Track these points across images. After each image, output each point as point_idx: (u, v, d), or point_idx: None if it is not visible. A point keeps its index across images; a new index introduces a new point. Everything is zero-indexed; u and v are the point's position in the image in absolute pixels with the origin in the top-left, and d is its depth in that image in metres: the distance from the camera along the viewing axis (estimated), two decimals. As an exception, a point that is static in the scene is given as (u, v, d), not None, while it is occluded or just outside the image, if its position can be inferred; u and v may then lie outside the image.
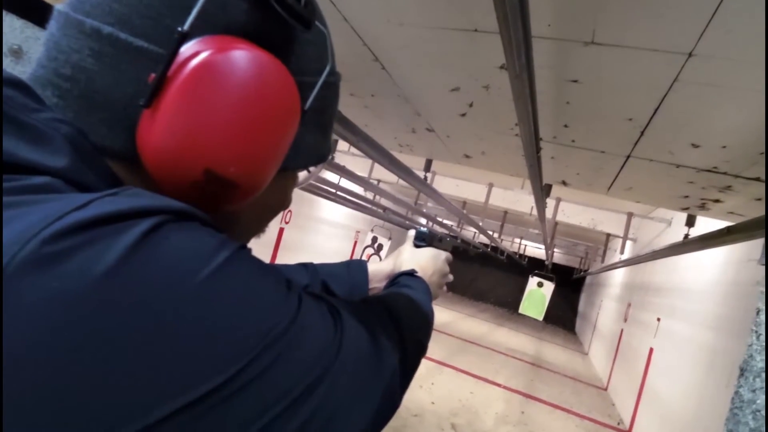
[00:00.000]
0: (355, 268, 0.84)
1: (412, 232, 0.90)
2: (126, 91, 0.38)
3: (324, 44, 0.47)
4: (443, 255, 0.87)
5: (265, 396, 0.33)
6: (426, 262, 0.83)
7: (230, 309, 0.33)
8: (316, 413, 0.36)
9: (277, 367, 0.34)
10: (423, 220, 10.92)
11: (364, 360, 0.43)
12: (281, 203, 0.53)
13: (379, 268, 0.86)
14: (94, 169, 0.37)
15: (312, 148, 0.49)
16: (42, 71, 0.39)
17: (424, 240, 0.88)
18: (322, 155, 0.52)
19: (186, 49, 0.37)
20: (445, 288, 0.88)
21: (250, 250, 0.38)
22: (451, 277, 0.90)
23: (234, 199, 0.41)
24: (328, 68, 0.47)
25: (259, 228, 0.53)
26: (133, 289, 0.29)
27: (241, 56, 0.38)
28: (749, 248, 3.19)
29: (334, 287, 0.80)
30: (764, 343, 0.78)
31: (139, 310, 0.29)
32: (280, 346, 0.34)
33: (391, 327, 0.52)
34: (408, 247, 0.88)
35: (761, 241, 0.81)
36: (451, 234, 7.99)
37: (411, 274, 0.77)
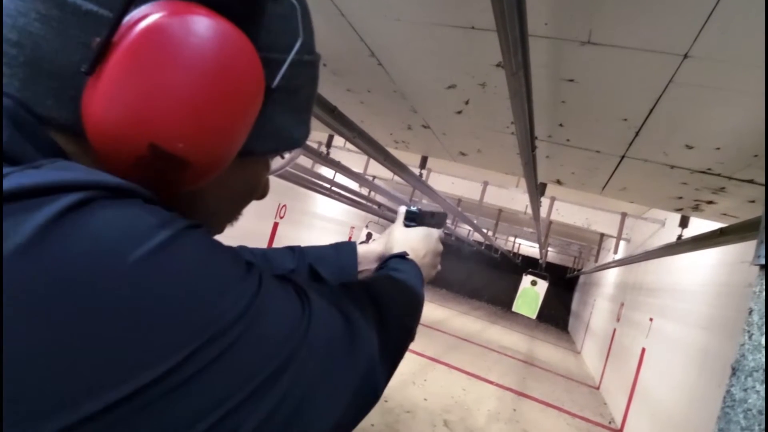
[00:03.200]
0: (344, 250, 0.81)
1: (402, 209, 0.84)
2: (73, 58, 0.35)
3: (295, 18, 0.43)
4: (436, 234, 0.83)
5: (222, 384, 0.31)
6: (418, 243, 0.79)
7: (170, 292, 0.30)
8: (284, 401, 0.35)
9: (234, 352, 0.32)
10: (414, 208, 10.92)
11: (336, 345, 0.41)
12: (252, 189, 0.50)
13: (369, 249, 0.82)
14: (34, 144, 0.34)
15: (282, 131, 0.46)
16: None
17: (414, 219, 0.83)
18: (293, 140, 0.48)
19: (136, 12, 0.34)
20: (438, 267, 0.83)
21: (204, 230, 0.36)
22: (438, 267, 0.84)
23: (187, 179, 0.38)
24: (298, 44, 0.43)
25: (230, 215, 0.50)
26: (47, 271, 0.27)
27: (196, 21, 0.35)
28: (742, 250, 3.21)
29: (321, 270, 0.76)
30: (756, 343, 0.78)
31: (55, 294, 0.27)
32: (236, 330, 0.32)
33: (371, 311, 0.49)
34: (399, 227, 0.83)
35: (754, 243, 0.81)
36: (440, 212, 7.99)
37: (402, 256, 0.74)
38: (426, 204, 7.73)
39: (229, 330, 0.32)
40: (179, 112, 0.35)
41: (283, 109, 0.45)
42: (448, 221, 9.69)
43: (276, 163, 0.55)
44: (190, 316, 0.31)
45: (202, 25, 0.35)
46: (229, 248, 0.37)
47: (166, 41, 0.34)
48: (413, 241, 0.79)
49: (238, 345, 0.32)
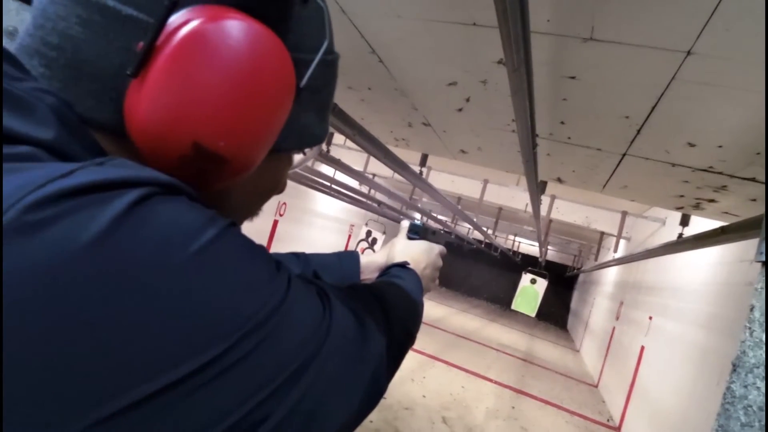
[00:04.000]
0: (347, 259, 0.83)
1: (405, 223, 0.88)
2: (114, 61, 0.37)
3: (322, 20, 0.46)
4: (437, 248, 0.86)
5: (251, 379, 0.33)
6: (419, 255, 0.82)
7: (218, 287, 0.32)
8: (305, 397, 0.36)
9: (263, 349, 0.33)
10: (417, 215, 10.93)
11: (351, 344, 0.43)
12: (275, 185, 0.52)
13: (372, 260, 0.84)
14: (81, 142, 0.36)
15: (307, 128, 0.48)
16: (29, 40, 0.38)
17: (417, 233, 0.86)
18: (317, 137, 0.50)
19: (176, 18, 0.36)
20: (437, 282, 0.86)
21: (239, 228, 0.37)
22: (437, 282, 0.88)
23: (224, 176, 0.40)
24: (325, 45, 0.45)
25: (252, 210, 0.52)
26: (119, 260, 0.28)
27: (234, 26, 0.36)
28: (742, 249, 3.21)
29: (325, 277, 0.78)
30: (757, 340, 0.78)
31: (124, 282, 0.28)
32: (268, 327, 0.34)
33: (378, 313, 0.51)
34: (401, 239, 0.86)
35: (755, 242, 0.81)
36: (445, 230, 8.01)
37: (403, 265, 0.77)
38: (428, 202, 7.74)
39: (264, 324, 0.33)
40: (220, 112, 0.36)
41: (309, 108, 0.47)
42: (448, 220, 9.70)
43: (297, 159, 0.56)
44: (235, 310, 0.32)
45: (239, 29, 0.36)
46: (261, 246, 0.38)
47: (207, 45, 0.35)
48: (415, 253, 0.82)
49: (270, 340, 0.34)
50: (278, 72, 0.39)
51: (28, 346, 0.26)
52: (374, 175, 6.22)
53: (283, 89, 0.40)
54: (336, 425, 0.40)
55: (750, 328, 0.83)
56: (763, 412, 0.77)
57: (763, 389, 0.78)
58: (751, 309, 0.86)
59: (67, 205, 0.28)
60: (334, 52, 0.49)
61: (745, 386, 0.80)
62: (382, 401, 4.44)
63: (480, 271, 19.09)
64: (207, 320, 0.31)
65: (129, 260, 0.29)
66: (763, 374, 0.79)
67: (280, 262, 0.39)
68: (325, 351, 0.38)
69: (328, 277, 0.79)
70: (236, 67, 0.36)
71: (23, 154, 0.31)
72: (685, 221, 3.47)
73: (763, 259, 0.83)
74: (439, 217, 8.99)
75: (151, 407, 0.28)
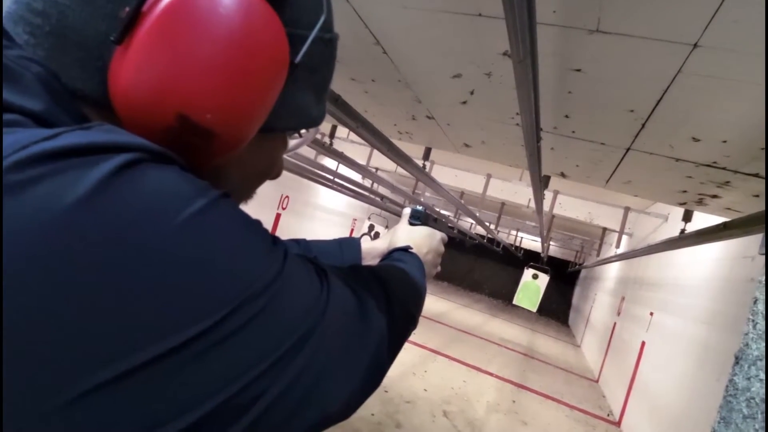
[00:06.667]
0: (348, 246, 0.83)
1: (407, 210, 0.87)
2: (100, 28, 0.35)
3: None
4: (439, 235, 0.86)
5: (248, 350, 0.32)
6: (421, 240, 0.81)
7: (211, 254, 0.31)
8: (304, 372, 0.36)
9: (260, 320, 0.33)
10: (420, 208, 10.93)
11: (351, 321, 0.43)
12: (269, 168, 0.51)
13: (373, 246, 0.84)
14: (68, 113, 0.35)
15: (303, 109, 0.46)
16: (14, 6, 0.37)
17: (419, 219, 0.86)
18: (313, 119, 0.48)
19: None
20: (439, 268, 0.86)
21: (233, 200, 0.36)
22: (438, 268, 0.87)
23: (213, 152, 0.38)
24: (321, 21, 0.43)
25: (246, 192, 0.51)
26: (106, 222, 0.28)
27: None
28: (744, 245, 3.20)
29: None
30: (760, 332, 0.78)
31: (111, 244, 0.27)
32: (264, 299, 0.33)
33: (380, 293, 0.50)
34: (403, 225, 0.85)
35: (757, 238, 0.81)
36: (445, 220, 7.99)
37: (405, 250, 0.76)
38: (431, 196, 7.73)
39: (259, 296, 0.33)
40: (208, 83, 0.35)
41: (304, 87, 0.45)
42: (451, 215, 9.69)
43: (293, 143, 0.55)
44: (226, 281, 0.31)
45: None
46: (257, 220, 0.38)
47: (196, 12, 0.34)
48: (417, 239, 0.81)
49: (266, 312, 0.33)
50: (271, 44, 0.37)
51: (10, 310, 0.25)
52: (377, 168, 6.21)
53: (276, 63, 0.38)
54: (337, 401, 0.40)
55: (753, 321, 0.82)
56: (765, 404, 0.77)
57: (766, 381, 0.78)
58: (755, 302, 0.85)
59: (51, 166, 0.27)
60: (333, 32, 0.48)
61: (748, 378, 0.80)
62: (384, 394, 4.44)
63: (482, 266, 19.09)
64: (199, 290, 0.30)
65: (116, 223, 0.28)
66: (765, 366, 0.79)
67: (276, 237, 0.38)
68: (324, 326, 0.38)
69: (329, 263, 0.78)
70: (226, 36, 0.35)
71: (10, 121, 0.30)
72: (687, 217, 3.46)
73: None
74: (442, 211, 8.98)
75: (137, 379, 0.28)
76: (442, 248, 0.86)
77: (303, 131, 0.53)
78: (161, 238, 0.29)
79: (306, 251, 0.78)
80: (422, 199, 6.87)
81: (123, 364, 0.27)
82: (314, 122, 0.49)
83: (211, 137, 0.37)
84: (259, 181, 0.51)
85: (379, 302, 0.48)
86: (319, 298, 0.39)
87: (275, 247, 0.36)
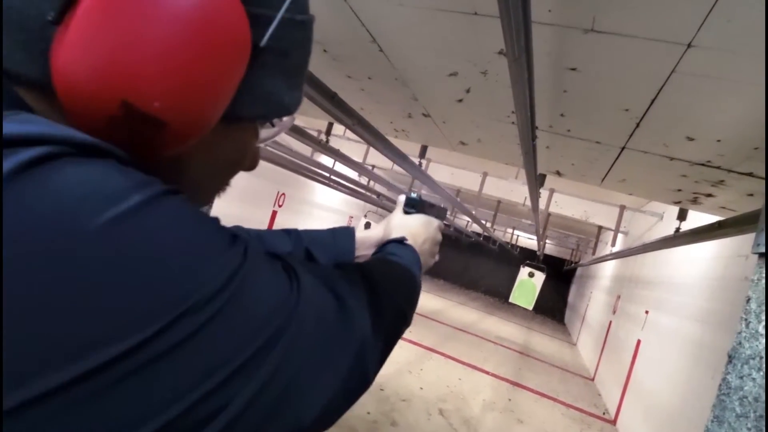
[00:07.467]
0: (342, 235, 0.79)
1: (402, 198, 0.83)
2: (42, 7, 0.32)
3: None
4: (436, 222, 0.82)
5: (204, 358, 0.30)
6: (417, 229, 0.77)
7: (141, 260, 0.28)
8: (273, 379, 0.33)
9: (216, 325, 0.30)
10: (415, 195, 10.93)
11: (327, 324, 0.40)
12: (240, 158, 0.47)
13: (367, 235, 0.80)
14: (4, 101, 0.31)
15: (272, 95, 0.42)
16: None
17: (414, 206, 0.81)
18: (285, 106, 0.44)
19: None
20: (437, 257, 0.82)
21: (184, 196, 0.33)
22: (437, 257, 0.83)
23: (166, 142, 0.35)
24: (288, 1, 0.39)
25: (216, 185, 0.47)
26: (8, 223, 0.24)
27: None
28: (738, 244, 3.22)
29: (318, 255, 0.74)
30: (753, 331, 0.79)
31: (12, 250, 0.24)
32: (218, 302, 0.30)
33: (364, 293, 0.47)
34: (398, 214, 0.81)
35: (751, 237, 0.81)
36: (441, 206, 8.00)
37: (400, 241, 0.72)
38: (426, 195, 7.73)
39: (210, 302, 0.30)
40: (155, 67, 0.31)
41: (273, 73, 0.42)
42: (447, 213, 9.71)
43: (266, 133, 0.52)
44: (163, 287, 0.29)
45: None
46: (213, 218, 0.35)
47: None
48: (413, 227, 0.77)
49: (220, 318, 0.31)
50: (228, 25, 0.34)
51: None
52: (373, 166, 6.21)
53: (235, 45, 0.35)
54: (313, 411, 0.38)
55: (746, 320, 0.83)
56: (759, 403, 0.78)
57: (759, 380, 0.78)
58: (747, 300, 0.86)
59: None
60: (307, 13, 0.44)
61: (741, 377, 0.80)
62: (379, 392, 4.44)
63: (478, 264, 19.12)
64: (126, 298, 0.27)
65: (21, 225, 0.25)
66: (758, 365, 0.80)
67: (236, 235, 0.35)
68: (294, 328, 0.35)
69: (322, 254, 0.74)
70: (176, 15, 0.31)
71: None
72: (682, 216, 3.47)
73: (762, 250, 0.83)
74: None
75: (61, 400, 0.25)
76: (439, 236, 0.82)
77: (276, 120, 0.49)
78: (72, 245, 0.26)
79: (297, 241, 0.75)
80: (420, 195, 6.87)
81: (38, 385, 0.25)
82: (287, 110, 0.45)
83: (161, 127, 0.34)
84: (231, 173, 0.48)
85: (362, 302, 0.46)
86: (287, 299, 0.36)
87: (233, 245, 0.34)
